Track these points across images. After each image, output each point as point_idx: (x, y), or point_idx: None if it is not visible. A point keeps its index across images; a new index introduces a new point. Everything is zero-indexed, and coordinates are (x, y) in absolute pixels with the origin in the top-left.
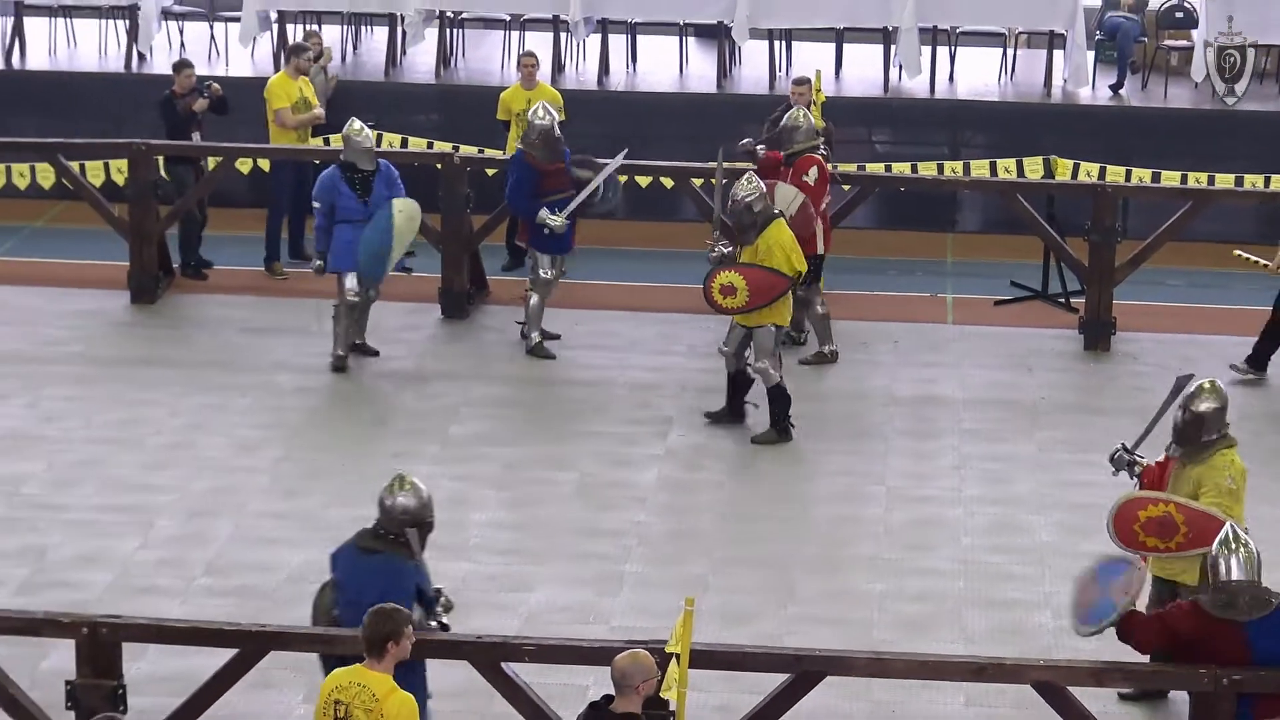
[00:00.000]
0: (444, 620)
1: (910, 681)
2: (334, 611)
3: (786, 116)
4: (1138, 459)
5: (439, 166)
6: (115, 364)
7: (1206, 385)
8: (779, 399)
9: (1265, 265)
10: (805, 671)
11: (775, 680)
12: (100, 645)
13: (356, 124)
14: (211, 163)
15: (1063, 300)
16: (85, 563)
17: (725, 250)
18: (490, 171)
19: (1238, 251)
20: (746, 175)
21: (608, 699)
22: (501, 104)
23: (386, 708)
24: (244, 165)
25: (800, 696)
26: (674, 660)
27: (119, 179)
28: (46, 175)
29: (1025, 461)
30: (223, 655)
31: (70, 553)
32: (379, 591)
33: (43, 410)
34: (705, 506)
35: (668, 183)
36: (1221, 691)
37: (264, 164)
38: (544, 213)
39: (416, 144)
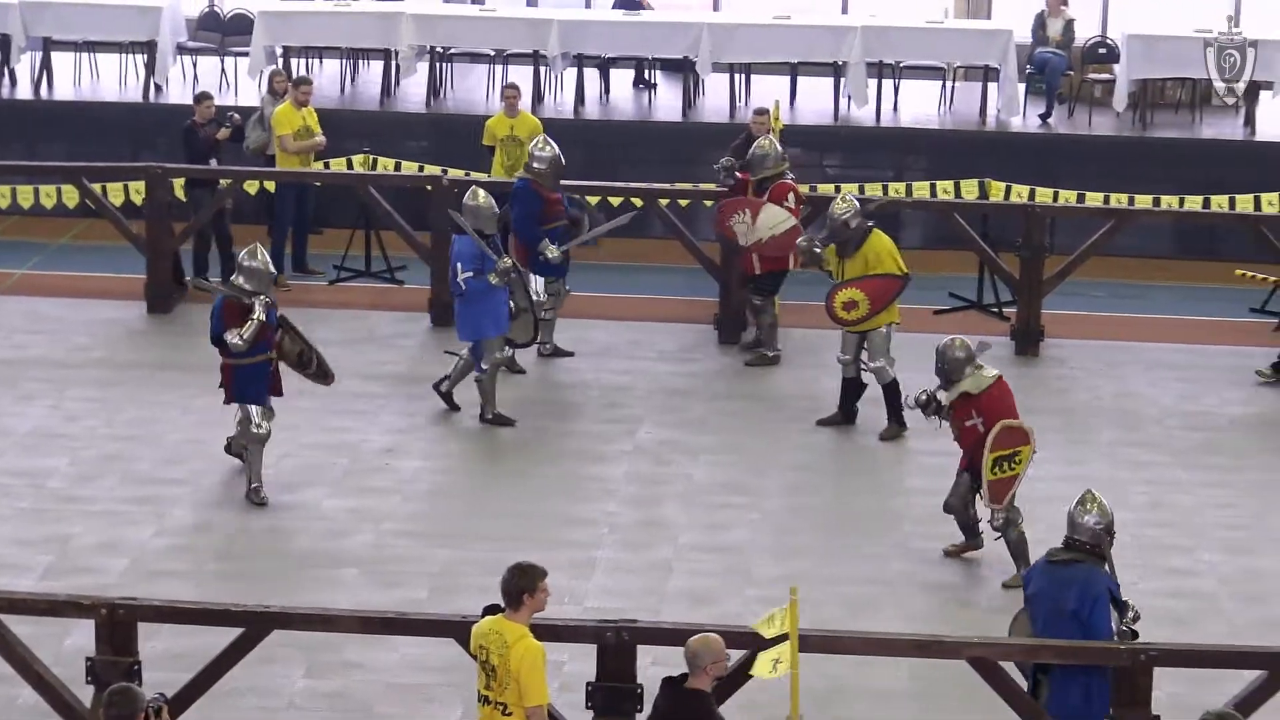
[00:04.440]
0: (1134, 628)
1: (857, 657)
2: (1033, 628)
3: (755, 145)
4: None
5: (429, 188)
6: (133, 368)
7: None
8: (894, 394)
9: (1278, 282)
10: (760, 648)
11: (735, 656)
12: (118, 625)
13: (481, 194)
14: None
15: (996, 310)
16: (105, 550)
17: (817, 249)
18: None
19: (1240, 270)
20: (842, 194)
21: (683, 676)
22: (486, 131)
23: (513, 653)
24: (251, 187)
25: None
26: (784, 642)
27: (137, 199)
28: (71, 196)
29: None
30: (230, 634)
31: (91, 541)
32: (1077, 596)
33: (66, 410)
34: (671, 496)
35: (638, 202)
36: (1140, 666)
37: (269, 185)
38: (545, 243)
39: (408, 168)
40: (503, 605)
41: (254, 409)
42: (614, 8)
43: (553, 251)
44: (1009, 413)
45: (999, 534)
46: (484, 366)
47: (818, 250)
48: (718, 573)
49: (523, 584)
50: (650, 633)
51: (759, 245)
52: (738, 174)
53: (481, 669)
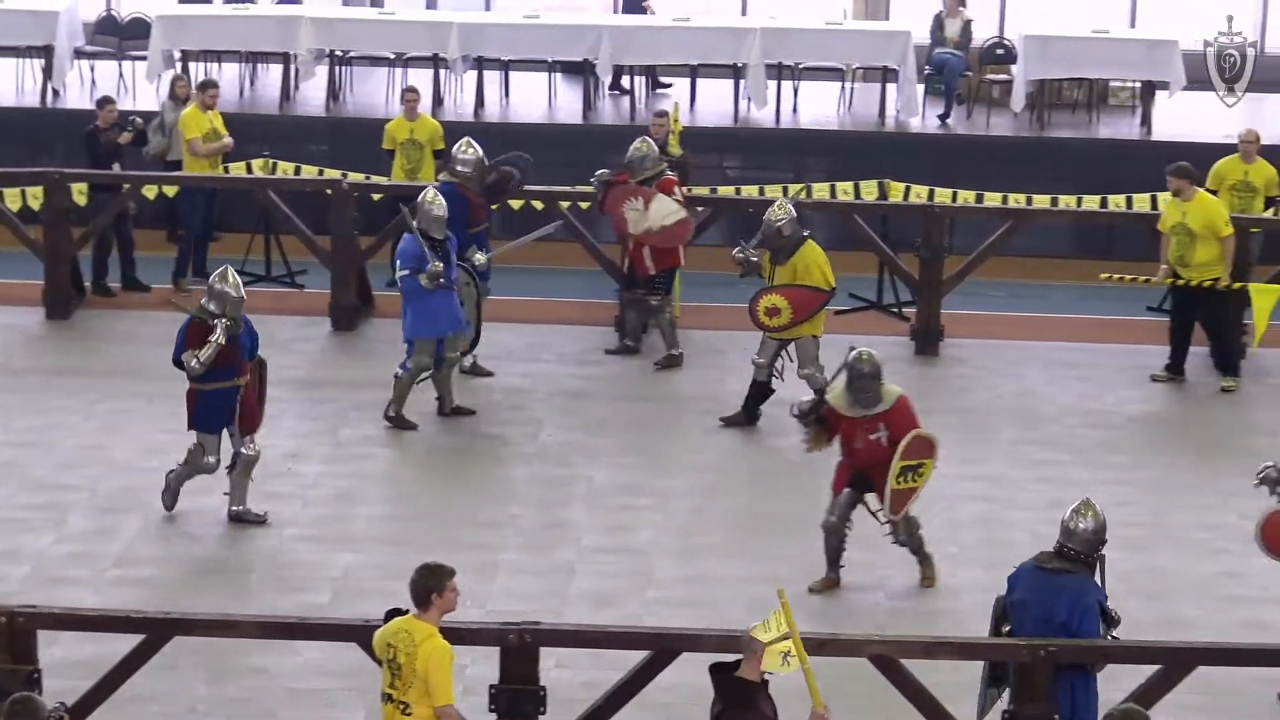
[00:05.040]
0: (1114, 634)
1: None
2: (1004, 629)
3: (631, 148)
4: None
5: (329, 192)
6: (31, 374)
7: None
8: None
9: (1148, 280)
10: (663, 649)
11: (637, 657)
12: (17, 633)
13: (431, 193)
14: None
15: (896, 310)
16: (4, 557)
17: (754, 258)
18: (376, 196)
19: (1104, 275)
20: (779, 201)
21: (733, 664)
22: (386, 134)
23: (420, 651)
24: (149, 191)
25: (658, 671)
26: (788, 639)
27: (34, 204)
28: None
29: None
30: (131, 640)
31: None
32: (1067, 606)
33: None
34: (574, 499)
35: (538, 205)
36: (1039, 662)
37: (169, 190)
38: (473, 248)
39: (308, 171)
40: (405, 609)
41: (209, 440)
42: (621, 11)
43: (480, 257)
44: (915, 426)
45: (902, 544)
46: (407, 365)
47: (754, 259)
48: (621, 574)
49: (431, 584)
50: (553, 635)
51: (647, 235)
52: (613, 178)
53: (387, 667)
